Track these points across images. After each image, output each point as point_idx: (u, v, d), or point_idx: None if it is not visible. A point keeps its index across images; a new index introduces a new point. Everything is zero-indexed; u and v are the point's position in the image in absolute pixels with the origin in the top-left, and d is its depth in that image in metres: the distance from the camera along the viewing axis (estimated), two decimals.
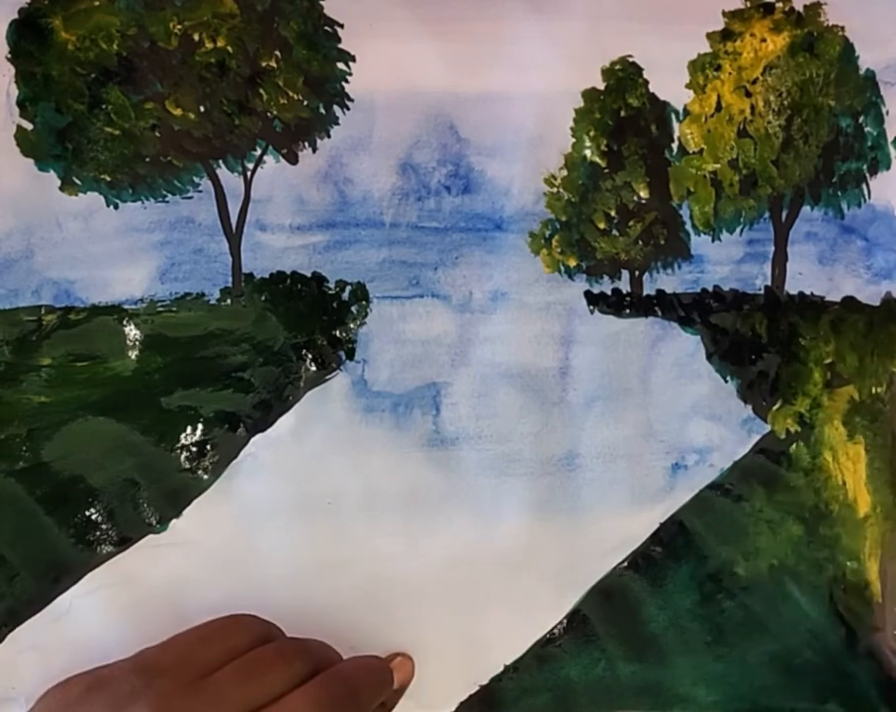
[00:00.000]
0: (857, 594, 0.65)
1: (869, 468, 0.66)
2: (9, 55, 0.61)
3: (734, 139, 0.66)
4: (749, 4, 0.66)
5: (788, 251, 0.67)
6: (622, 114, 0.66)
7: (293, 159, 0.64)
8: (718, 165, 0.66)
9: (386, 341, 0.65)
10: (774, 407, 0.66)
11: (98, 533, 0.62)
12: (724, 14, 0.66)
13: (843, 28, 0.66)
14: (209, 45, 0.62)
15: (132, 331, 0.62)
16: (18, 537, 0.61)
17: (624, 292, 0.66)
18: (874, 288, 0.67)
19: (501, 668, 0.63)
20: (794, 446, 0.66)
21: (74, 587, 0.61)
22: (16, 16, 0.61)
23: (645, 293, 0.66)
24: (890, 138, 0.67)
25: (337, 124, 0.64)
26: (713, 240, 0.67)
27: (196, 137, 0.63)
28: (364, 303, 0.64)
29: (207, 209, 0.63)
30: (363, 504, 0.63)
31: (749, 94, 0.66)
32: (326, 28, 0.63)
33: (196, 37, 0.61)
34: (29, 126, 0.61)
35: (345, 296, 0.64)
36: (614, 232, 0.67)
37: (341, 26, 0.63)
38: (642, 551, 0.65)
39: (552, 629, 0.64)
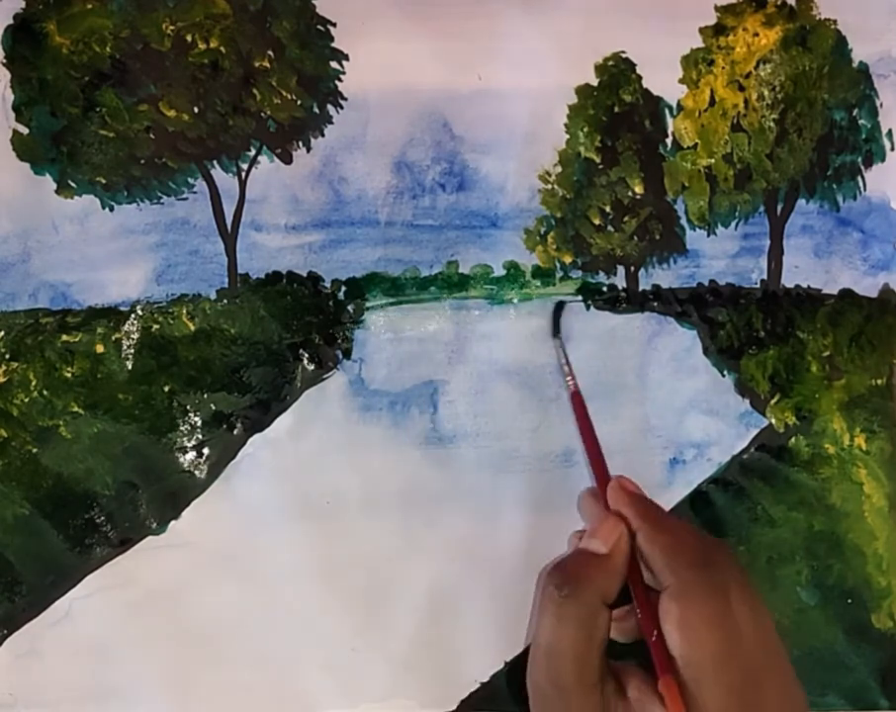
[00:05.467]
0: (860, 587, 0.65)
1: (878, 460, 0.66)
2: (4, 61, 0.61)
3: (728, 134, 0.66)
4: None
5: (784, 245, 0.67)
6: (616, 109, 0.66)
7: (287, 159, 0.64)
8: (712, 160, 0.66)
9: (383, 340, 0.65)
10: (773, 401, 0.66)
11: (97, 535, 0.62)
12: (716, 8, 0.66)
13: (835, 21, 0.66)
14: (202, 46, 0.62)
15: (129, 333, 0.62)
16: (15, 540, 0.61)
17: (620, 287, 0.66)
18: (871, 280, 0.67)
19: (502, 665, 0.63)
20: (793, 439, 0.66)
21: (73, 590, 0.62)
22: (11, 21, 0.61)
23: (641, 288, 0.66)
24: (884, 131, 0.67)
25: (331, 123, 0.64)
26: (708, 235, 0.67)
27: (190, 138, 0.63)
28: (360, 301, 0.64)
29: (202, 210, 0.63)
30: (362, 503, 0.63)
31: (742, 88, 0.66)
32: (319, 27, 0.63)
33: (189, 38, 0.62)
34: (24, 130, 0.61)
35: (341, 295, 0.64)
36: (609, 228, 0.67)
37: (334, 24, 0.63)
38: None
39: None
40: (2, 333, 0.61)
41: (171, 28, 0.61)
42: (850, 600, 0.64)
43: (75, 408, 0.61)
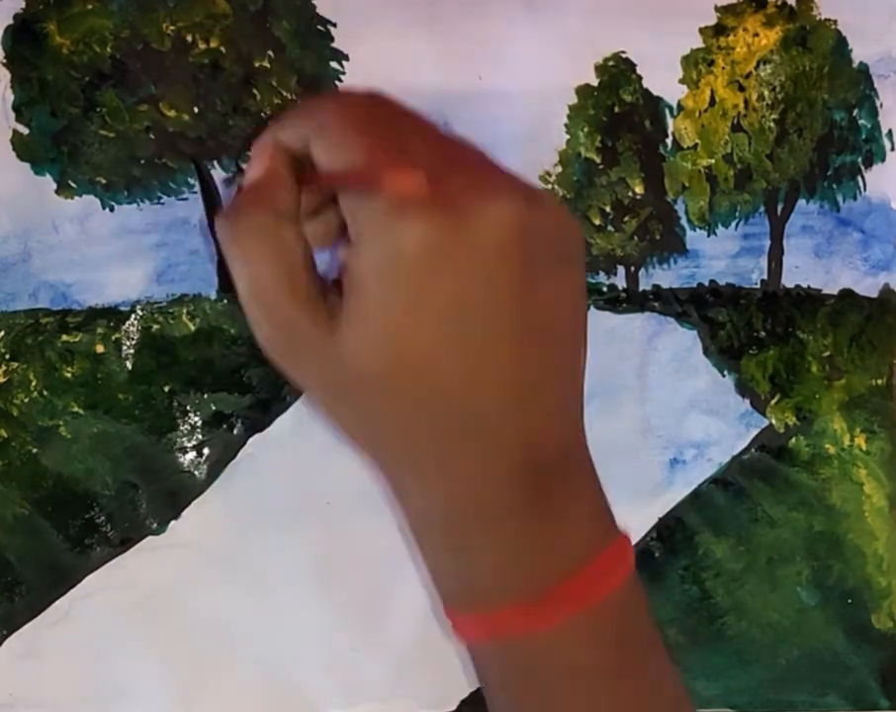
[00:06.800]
0: (861, 587, 0.65)
1: (878, 460, 0.66)
2: (4, 60, 0.61)
3: (728, 134, 0.66)
4: None
5: (784, 245, 0.67)
6: (616, 110, 0.66)
7: None
8: (713, 160, 0.66)
9: None
10: (773, 401, 0.66)
11: (97, 535, 0.62)
12: (716, 9, 0.66)
13: (835, 21, 0.66)
14: (202, 46, 0.62)
15: (129, 333, 0.62)
16: (15, 540, 0.61)
17: (620, 287, 0.66)
18: (871, 280, 0.67)
19: None
20: (793, 440, 0.66)
21: (73, 591, 0.62)
22: (11, 21, 0.61)
23: (641, 288, 0.66)
24: (884, 131, 0.67)
25: None
26: (709, 235, 0.67)
27: (190, 139, 0.63)
28: None
29: (202, 210, 0.63)
30: (362, 503, 0.63)
31: (742, 88, 0.66)
32: (319, 27, 0.63)
33: (189, 37, 0.62)
34: (25, 130, 0.61)
35: None
36: (609, 228, 0.67)
37: (334, 25, 0.63)
38: (641, 547, 0.64)
39: None
40: (2, 333, 0.61)
41: (171, 28, 0.61)
42: (850, 601, 0.64)
43: (75, 408, 0.62)
